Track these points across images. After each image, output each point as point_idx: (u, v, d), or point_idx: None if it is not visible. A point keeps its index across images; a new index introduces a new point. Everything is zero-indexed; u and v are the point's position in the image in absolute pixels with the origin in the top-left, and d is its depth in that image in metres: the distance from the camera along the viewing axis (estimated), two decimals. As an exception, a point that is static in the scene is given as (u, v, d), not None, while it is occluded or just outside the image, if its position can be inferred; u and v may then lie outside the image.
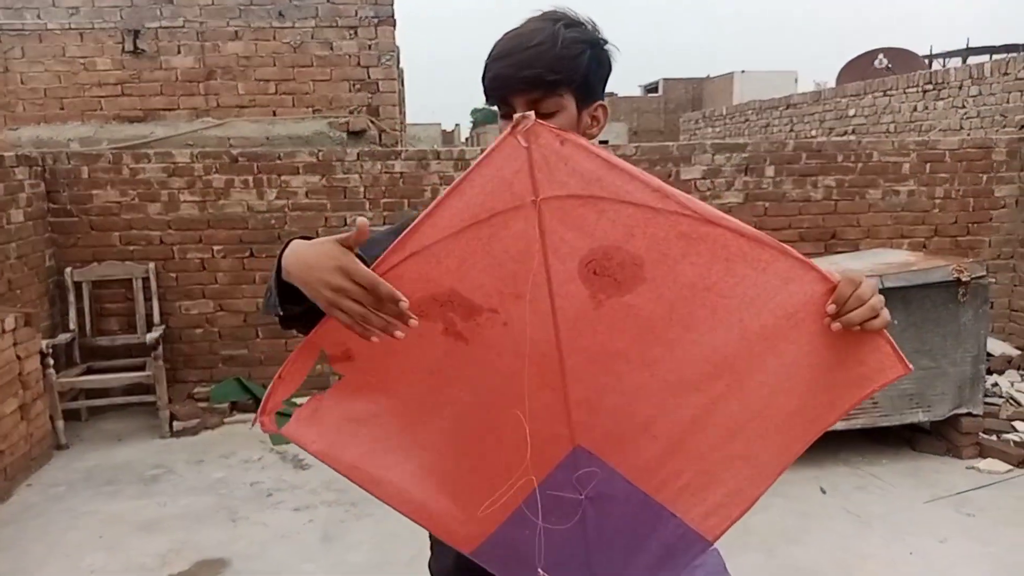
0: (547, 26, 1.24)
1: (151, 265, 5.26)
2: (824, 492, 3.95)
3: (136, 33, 5.54)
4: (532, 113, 1.05)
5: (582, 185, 1.06)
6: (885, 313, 1.10)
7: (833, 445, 4.34)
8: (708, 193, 5.55)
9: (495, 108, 1.30)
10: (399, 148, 5.60)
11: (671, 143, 5.79)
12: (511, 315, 1.10)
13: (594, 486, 1.17)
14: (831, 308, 1.08)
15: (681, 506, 1.18)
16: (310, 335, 1.12)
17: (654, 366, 1.12)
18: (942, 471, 4.16)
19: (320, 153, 5.28)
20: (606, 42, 1.28)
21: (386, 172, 5.28)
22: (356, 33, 5.77)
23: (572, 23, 1.26)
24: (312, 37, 5.76)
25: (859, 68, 10.95)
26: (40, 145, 5.50)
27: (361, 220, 1.07)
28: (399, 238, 1.09)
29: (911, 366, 1.12)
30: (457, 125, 40.72)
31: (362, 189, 5.28)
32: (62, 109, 5.69)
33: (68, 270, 5.14)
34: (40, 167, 5.10)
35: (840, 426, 4.08)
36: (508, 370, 1.12)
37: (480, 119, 52.74)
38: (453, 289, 1.10)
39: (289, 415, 1.17)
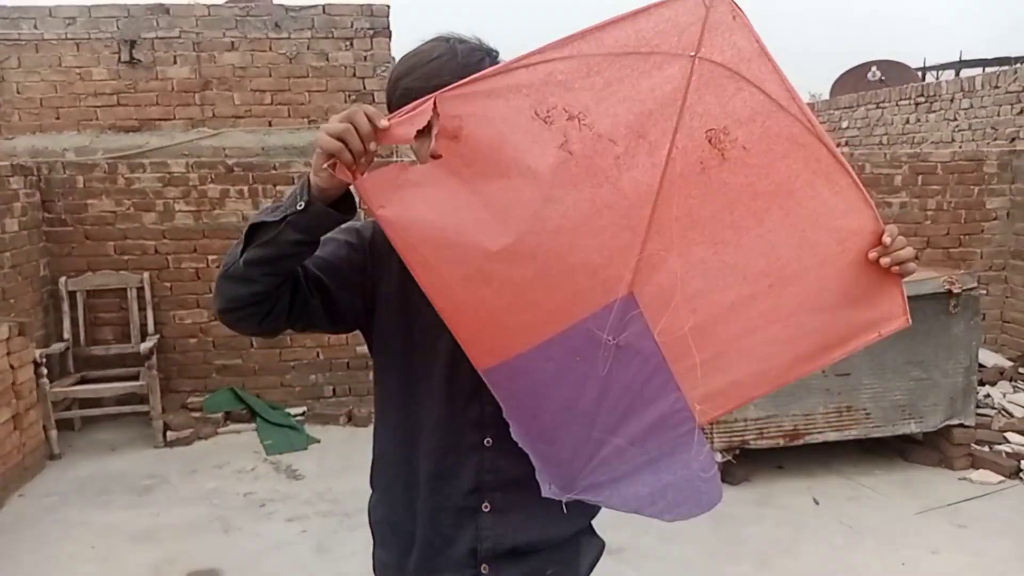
0: (441, 44, 1.29)
1: (145, 275, 5.25)
2: (817, 503, 3.96)
3: (132, 43, 5.55)
4: None
5: (735, 59, 1.14)
6: (913, 263, 1.23)
7: (825, 456, 4.35)
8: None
9: None
10: (394, 159, 5.62)
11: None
12: (627, 151, 1.15)
13: (627, 336, 1.21)
14: (887, 239, 1.19)
15: (687, 382, 1.24)
16: (432, 96, 1.12)
17: (720, 246, 1.19)
18: (934, 482, 4.17)
19: (315, 163, 5.28)
20: (498, 52, 1.32)
21: (381, 182, 5.27)
22: (351, 44, 5.80)
23: (462, 40, 1.30)
24: (308, 48, 5.78)
25: (852, 80, 11.01)
26: (35, 154, 5.50)
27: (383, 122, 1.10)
28: (567, 37, 1.13)
29: (910, 321, 1.24)
30: (453, 135, 40.77)
31: (357, 199, 5.28)
32: (58, 119, 5.70)
33: (62, 279, 5.14)
34: (35, 176, 5.10)
35: (832, 437, 4.12)
36: (602, 201, 1.16)
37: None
38: (588, 106, 1.13)
39: None
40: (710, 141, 1.16)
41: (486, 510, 1.34)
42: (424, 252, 1.16)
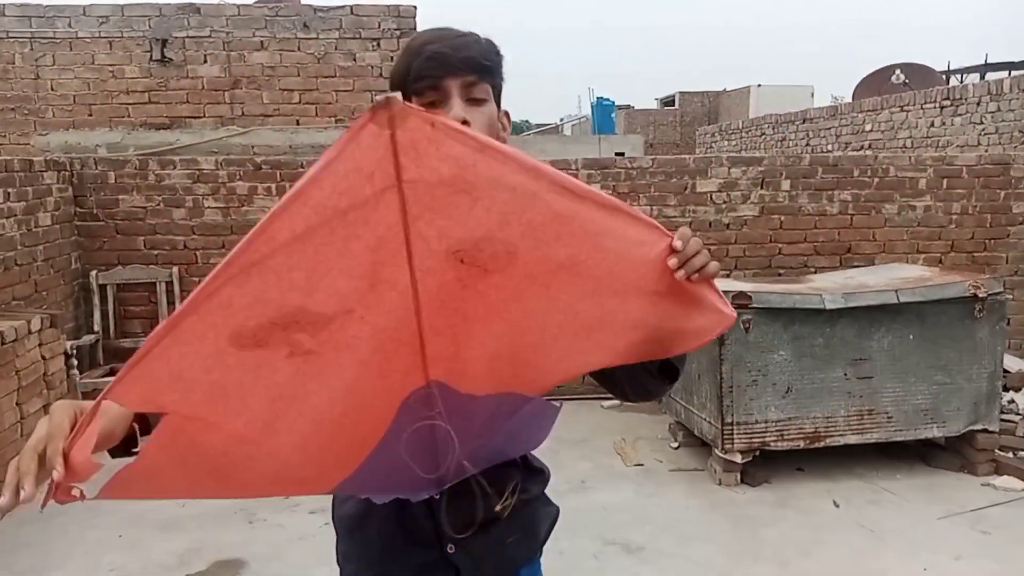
0: (460, 30, 1.28)
1: (174, 269, 5.35)
2: (837, 506, 3.96)
3: (164, 42, 5.65)
4: (399, 93, 0.88)
5: (456, 171, 0.94)
6: (714, 263, 1.14)
7: (846, 459, 4.35)
8: (724, 206, 5.58)
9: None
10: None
11: (688, 156, 5.83)
12: (369, 306, 0.99)
13: (443, 405, 1.16)
14: (677, 244, 1.09)
15: (519, 385, 1.21)
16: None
17: (512, 324, 1.10)
18: (957, 487, 4.16)
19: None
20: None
21: (406, 181, 5.34)
22: (379, 45, 5.87)
23: (475, 33, 1.30)
24: (336, 48, 5.86)
25: (876, 83, 10.95)
26: (68, 150, 5.62)
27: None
28: (221, 263, 0.90)
29: (734, 313, 1.15)
30: (475, 135, 40.73)
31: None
32: (90, 115, 5.81)
33: (93, 273, 5.24)
34: (68, 172, 5.21)
35: (853, 440, 4.12)
36: (367, 353, 1.04)
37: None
38: (300, 307, 0.95)
39: None
40: (462, 261, 1.00)
41: (437, 498, 1.36)
42: (207, 484, 1.09)
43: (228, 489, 1.13)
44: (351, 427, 1.12)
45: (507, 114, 1.36)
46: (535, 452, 1.50)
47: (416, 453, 1.21)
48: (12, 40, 5.66)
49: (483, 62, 1.25)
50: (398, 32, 5.85)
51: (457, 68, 1.22)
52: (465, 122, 1.15)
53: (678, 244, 1.08)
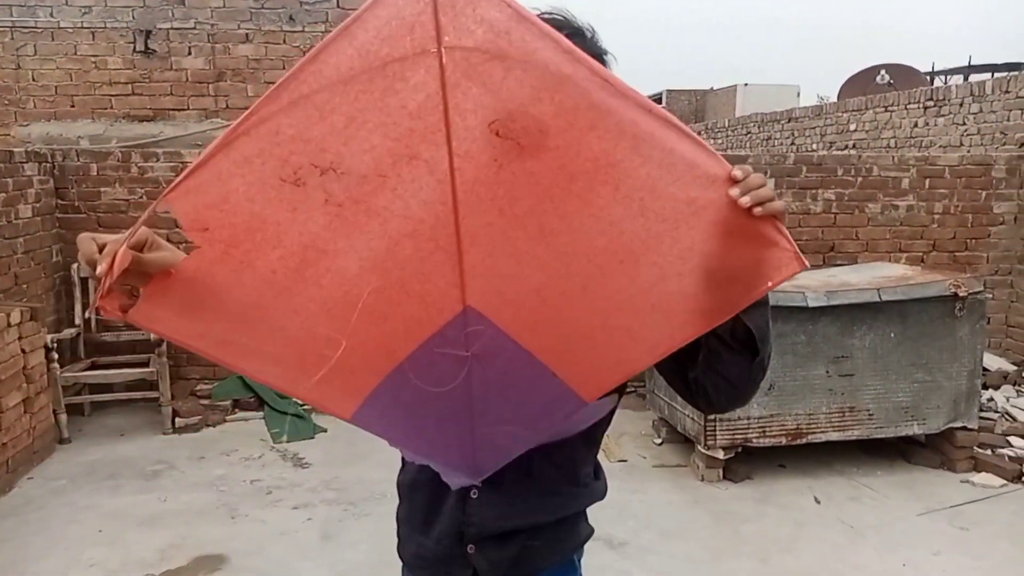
0: (561, 23, 1.19)
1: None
2: (818, 502, 3.99)
3: (148, 33, 5.60)
4: None
5: (490, 37, 0.94)
6: (781, 201, 1.04)
7: (827, 456, 4.38)
8: (709, 204, 5.59)
9: None
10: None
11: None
12: (403, 179, 1.00)
13: (481, 344, 1.11)
14: (737, 174, 1.01)
15: (563, 368, 1.15)
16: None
17: (550, 237, 1.06)
18: (936, 484, 4.20)
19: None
20: (606, 52, 1.23)
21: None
22: (365, 38, 5.84)
23: (573, 32, 1.19)
24: (321, 41, 5.82)
25: (861, 83, 11.02)
26: (50, 141, 5.56)
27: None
28: (275, 85, 0.93)
29: (807, 263, 1.05)
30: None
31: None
32: (72, 107, 5.75)
33: (75, 266, 5.19)
34: (49, 163, 5.15)
35: (835, 437, 4.14)
36: (398, 234, 1.03)
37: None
38: (338, 151, 0.97)
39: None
40: (497, 134, 0.99)
41: (474, 496, 1.35)
42: (231, 339, 1.08)
43: (250, 348, 1.09)
44: (379, 318, 1.08)
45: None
46: (595, 464, 1.49)
47: (434, 404, 1.17)
48: (-8, 29, 5.60)
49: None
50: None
51: None
52: None
53: (738, 173, 1.00)
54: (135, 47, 5.62)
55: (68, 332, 5.07)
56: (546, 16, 1.19)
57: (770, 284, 1.06)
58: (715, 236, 1.05)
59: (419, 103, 0.95)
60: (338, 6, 5.79)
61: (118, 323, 5.37)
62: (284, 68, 5.87)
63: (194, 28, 5.68)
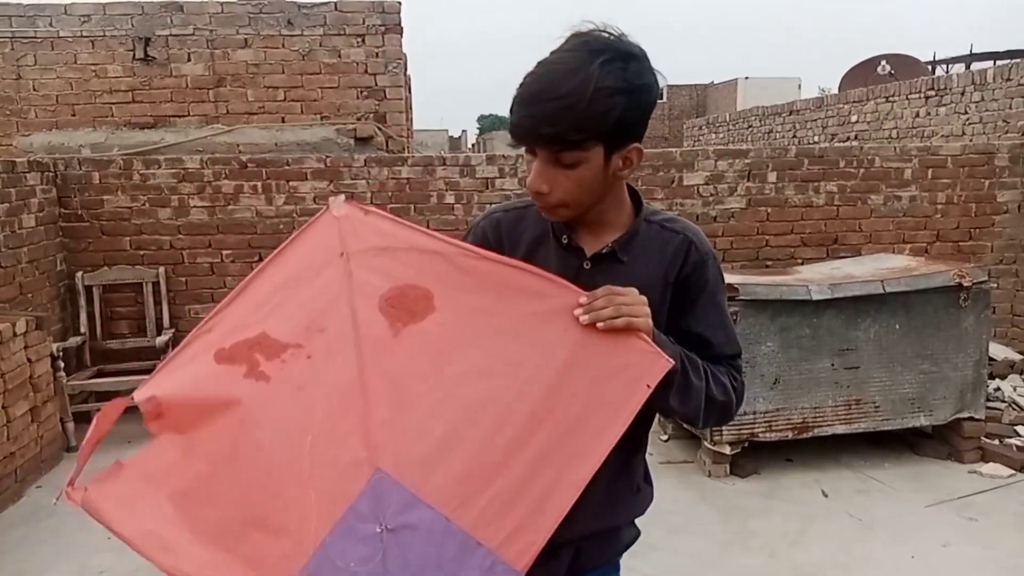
0: (582, 64, 1.16)
1: (161, 269, 5.32)
2: (826, 495, 3.98)
3: (147, 40, 5.61)
4: (343, 196, 1.36)
5: (383, 239, 1.29)
6: (633, 318, 1.20)
7: (834, 449, 4.37)
8: (711, 198, 5.59)
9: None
10: (406, 154, 5.66)
11: (674, 149, 5.84)
12: (316, 348, 1.26)
13: (394, 514, 1.15)
14: (582, 300, 1.21)
15: (484, 532, 1.15)
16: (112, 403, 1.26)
17: (448, 384, 1.21)
18: (944, 475, 4.19)
19: (328, 159, 5.34)
20: (645, 85, 1.22)
21: (393, 178, 5.34)
22: (364, 41, 5.85)
23: (613, 57, 1.18)
24: (320, 45, 5.83)
25: (862, 74, 10.98)
26: (52, 151, 5.57)
27: None
28: (233, 292, 1.32)
29: (672, 360, 1.20)
30: (464, 131, 40.81)
31: (369, 195, 5.34)
32: (73, 115, 5.76)
33: (79, 274, 5.21)
34: (52, 173, 5.17)
35: (841, 430, 4.13)
36: (312, 399, 1.23)
37: (487, 126, 52.76)
38: (263, 333, 1.27)
39: None
40: (393, 306, 1.25)
41: None
42: (163, 535, 1.20)
43: (195, 528, 1.21)
44: (305, 482, 1.20)
45: (637, 149, 1.28)
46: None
47: None
48: (-7, 40, 5.62)
49: (572, 137, 1.18)
50: (383, 28, 5.82)
51: (537, 143, 1.22)
52: (540, 191, 1.25)
53: (583, 299, 1.21)
54: (134, 54, 5.63)
55: (74, 340, 5.09)
56: (588, 35, 1.21)
57: (649, 387, 1.19)
58: (586, 355, 1.20)
59: (331, 292, 1.27)
60: (336, 9, 5.80)
61: (123, 330, 5.39)
62: (283, 72, 5.89)
63: (193, 34, 5.69)
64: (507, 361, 1.21)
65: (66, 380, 4.73)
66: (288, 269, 1.31)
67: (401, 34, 5.91)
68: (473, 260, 1.26)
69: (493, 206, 1.53)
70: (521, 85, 1.21)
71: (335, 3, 5.82)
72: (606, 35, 1.21)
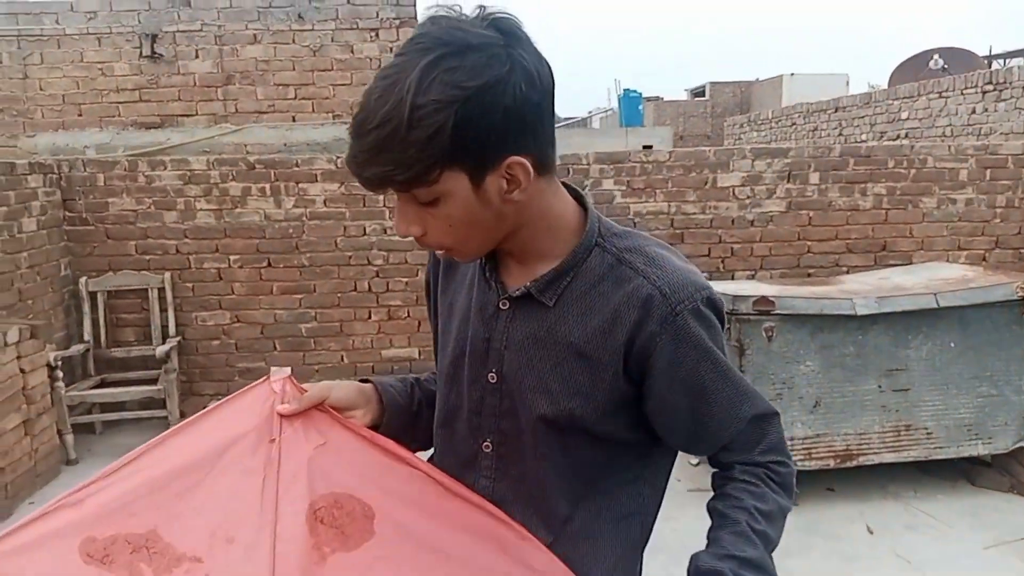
0: (402, 75, 0.88)
1: (167, 275, 5.12)
2: (871, 532, 3.60)
3: (154, 37, 5.42)
4: (288, 369, 1.08)
5: (320, 432, 1.04)
6: None
7: (880, 478, 3.98)
8: (748, 201, 5.21)
9: None
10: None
11: (707, 148, 5.47)
12: (218, 564, 0.96)
13: None
14: None
15: None
16: None
17: None
18: (1005, 511, 3.77)
19: (339, 160, 5.09)
20: (489, 84, 0.89)
21: (406, 179, 5.05)
22: (377, 35, 5.59)
23: (441, 56, 0.88)
24: (332, 40, 5.58)
25: (913, 69, 10.43)
26: (57, 152, 5.42)
27: None
28: (129, 455, 1.00)
29: None
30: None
31: (382, 197, 5.07)
32: (80, 115, 5.61)
33: (83, 280, 5.03)
34: (56, 175, 5.00)
35: (889, 458, 3.76)
36: None
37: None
38: (154, 531, 0.96)
39: None
40: (323, 522, 1.00)
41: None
42: None
43: None
44: None
45: (519, 163, 0.96)
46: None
47: None
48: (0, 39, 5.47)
49: (398, 176, 0.92)
50: (397, 21, 5.55)
51: (369, 186, 0.96)
52: (414, 236, 1.00)
53: None
54: (141, 52, 5.45)
55: (75, 348, 4.91)
56: (430, 30, 0.91)
57: None
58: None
59: (248, 487, 0.99)
60: (348, 2, 5.55)
61: (128, 338, 5.21)
62: (294, 69, 5.65)
63: (200, 30, 5.48)
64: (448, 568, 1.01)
65: (65, 391, 4.55)
66: (205, 445, 1.01)
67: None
68: (428, 483, 1.05)
69: None
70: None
71: (348, -4, 5.58)
72: (451, 21, 0.91)
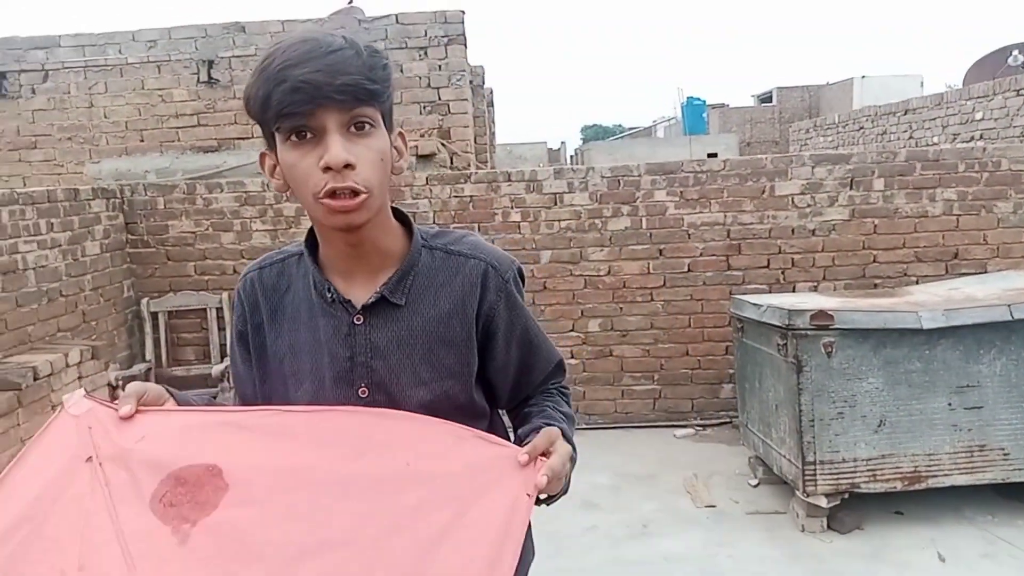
0: (333, 38, 1.05)
1: (224, 295, 5.22)
2: (943, 560, 3.38)
3: (210, 64, 5.56)
4: (81, 391, 1.07)
5: (141, 433, 1.02)
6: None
7: (954, 501, 3.74)
8: (808, 209, 5.01)
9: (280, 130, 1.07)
10: (469, 171, 5.37)
11: (763, 156, 5.30)
12: None
13: None
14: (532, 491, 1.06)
15: None
16: None
17: None
18: (1093, 538, 3.49)
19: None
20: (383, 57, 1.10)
21: (455, 196, 5.04)
22: (426, 54, 5.60)
23: (352, 39, 1.07)
24: None
25: (990, 67, 9.98)
26: (119, 177, 5.60)
27: None
28: None
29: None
30: (563, 143, 40.47)
31: (431, 214, 5.07)
32: (142, 141, 5.78)
33: (144, 300, 5.17)
34: (118, 199, 5.16)
35: (962, 481, 3.55)
36: None
37: (589, 136, 52.32)
38: None
39: None
40: (170, 503, 0.98)
41: None
42: None
43: None
44: None
45: (401, 135, 1.18)
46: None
47: None
48: (67, 70, 5.69)
49: (368, 86, 1.03)
50: (446, 39, 5.56)
51: (334, 99, 1.01)
52: (348, 165, 1.03)
53: (522, 457, 1.08)
54: (198, 78, 5.59)
55: (137, 368, 5.04)
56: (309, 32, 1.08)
57: (530, 495, 1.04)
58: (451, 481, 1.04)
59: (79, 514, 0.96)
60: (397, 22, 5.58)
61: (189, 357, 5.32)
62: (346, 89, 5.71)
63: (255, 55, 5.59)
64: (345, 523, 0.97)
65: (125, 410, 4.66)
66: (24, 494, 0.97)
67: (465, 45, 5.63)
68: (270, 416, 1.05)
69: (250, 264, 1.30)
70: (272, 60, 1.03)
71: (396, 16, 5.61)
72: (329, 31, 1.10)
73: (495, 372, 1.26)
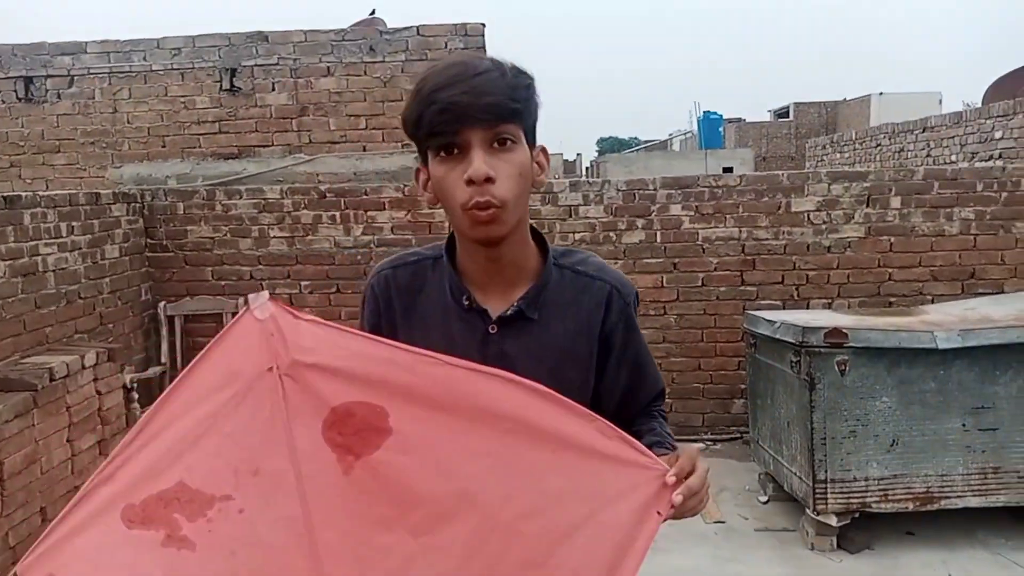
0: (480, 60, 1.13)
1: (240, 300, 5.26)
2: (955, 582, 3.36)
3: (233, 72, 5.64)
4: (266, 292, 1.08)
5: (318, 347, 1.04)
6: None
7: (966, 522, 3.71)
8: (824, 226, 5.01)
9: (437, 148, 1.13)
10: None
11: (780, 172, 5.30)
12: (248, 497, 1.00)
13: None
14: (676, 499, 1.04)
15: None
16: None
17: (420, 532, 1.01)
18: (1108, 564, 3.46)
19: (406, 188, 5.16)
20: (533, 78, 1.18)
21: (472, 207, 5.07)
22: (445, 65, 5.66)
23: (498, 61, 1.14)
24: (402, 71, 5.69)
25: (1011, 86, 9.91)
26: (141, 182, 5.68)
27: None
28: (133, 429, 1.03)
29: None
30: (579, 155, 40.54)
31: (447, 223, 5.09)
32: (164, 147, 5.87)
33: (161, 304, 5.23)
34: (139, 203, 5.23)
35: (975, 503, 3.52)
36: (249, 567, 1.00)
37: (606, 148, 52.37)
38: (181, 482, 1.00)
39: None
40: (340, 432, 1.02)
41: None
42: None
43: None
44: None
45: (544, 150, 1.23)
46: None
47: None
48: (92, 76, 5.79)
49: (510, 105, 1.11)
50: (466, 51, 5.61)
51: (477, 118, 1.09)
52: (489, 179, 1.09)
53: (671, 476, 1.06)
54: (221, 85, 5.67)
55: (153, 370, 5.09)
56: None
57: (660, 513, 1.03)
58: (588, 481, 1.04)
59: (261, 420, 1.02)
60: (418, 34, 5.64)
61: (204, 361, 5.37)
62: (365, 100, 5.78)
63: (277, 64, 5.67)
64: (489, 496, 1.01)
65: (140, 412, 4.70)
66: (204, 391, 1.03)
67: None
68: (438, 366, 1.04)
69: (381, 262, 1.33)
70: (425, 83, 1.12)
71: (417, 28, 5.67)
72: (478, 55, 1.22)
73: (604, 391, 1.30)
